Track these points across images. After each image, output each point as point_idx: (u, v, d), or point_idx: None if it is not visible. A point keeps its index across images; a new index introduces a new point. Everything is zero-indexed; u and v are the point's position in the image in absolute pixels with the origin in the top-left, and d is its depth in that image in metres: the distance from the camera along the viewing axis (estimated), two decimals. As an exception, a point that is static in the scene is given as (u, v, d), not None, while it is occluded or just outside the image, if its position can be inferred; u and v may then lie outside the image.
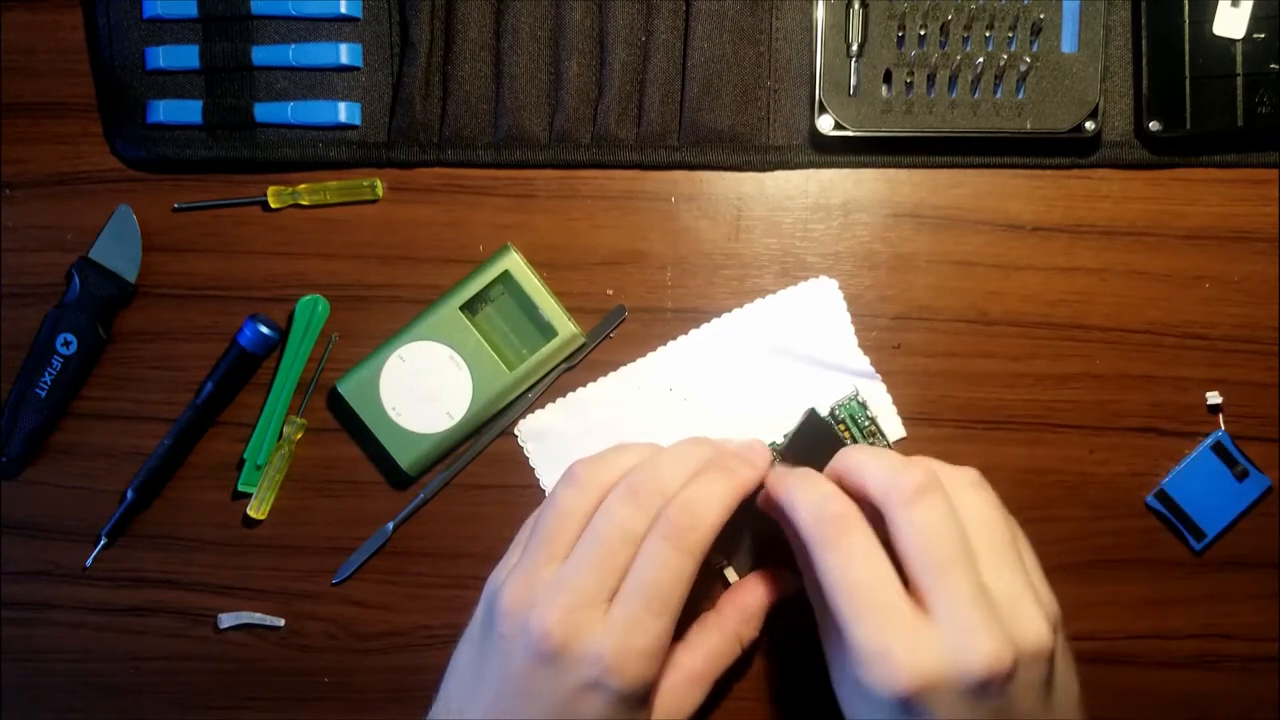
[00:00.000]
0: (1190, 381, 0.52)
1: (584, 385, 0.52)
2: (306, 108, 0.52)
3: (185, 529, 0.54)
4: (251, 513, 0.53)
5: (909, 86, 0.50)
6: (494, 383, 0.51)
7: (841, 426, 0.50)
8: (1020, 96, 0.50)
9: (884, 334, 0.52)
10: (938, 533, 0.40)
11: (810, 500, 0.42)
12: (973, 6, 0.49)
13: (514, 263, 0.51)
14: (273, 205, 0.52)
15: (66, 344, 0.52)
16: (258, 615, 0.53)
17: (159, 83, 0.52)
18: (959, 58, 0.49)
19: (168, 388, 0.53)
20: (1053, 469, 0.52)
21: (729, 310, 0.52)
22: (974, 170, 0.52)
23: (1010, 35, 0.50)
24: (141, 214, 0.53)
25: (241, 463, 0.53)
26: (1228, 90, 0.49)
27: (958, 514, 0.41)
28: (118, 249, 0.52)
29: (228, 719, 0.54)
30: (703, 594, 0.49)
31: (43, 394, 0.52)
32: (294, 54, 0.52)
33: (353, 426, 0.53)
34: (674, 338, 0.52)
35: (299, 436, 0.53)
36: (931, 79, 0.50)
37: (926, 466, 0.42)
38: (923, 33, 0.50)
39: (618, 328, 0.52)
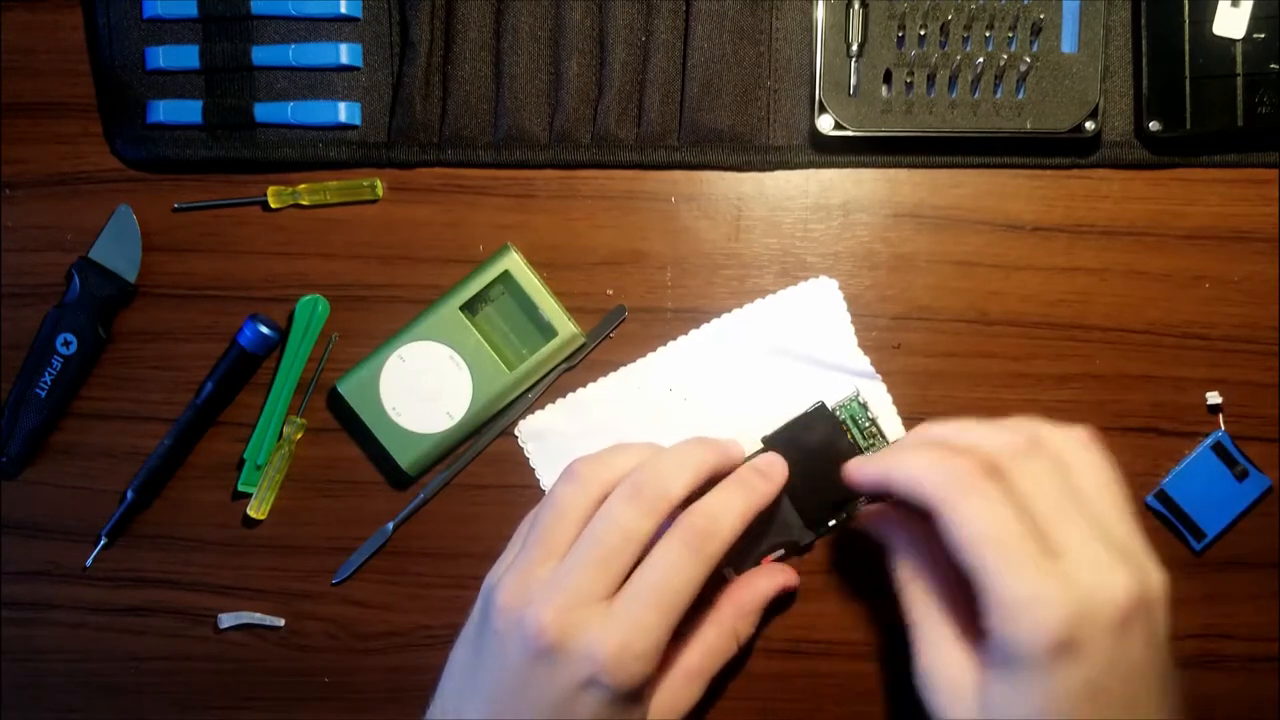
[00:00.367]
0: (1190, 381, 0.52)
1: (584, 385, 0.52)
2: (306, 108, 0.52)
3: (185, 529, 0.54)
4: (251, 513, 0.53)
5: (909, 86, 0.50)
6: (494, 383, 0.51)
7: (843, 427, 0.50)
8: (1020, 96, 0.50)
9: (884, 334, 0.52)
10: (1054, 481, 0.41)
11: (931, 463, 0.42)
12: (973, 6, 0.49)
13: (514, 263, 0.51)
14: (273, 205, 0.52)
15: (66, 344, 0.52)
16: (258, 615, 0.53)
17: (159, 83, 0.52)
18: (959, 58, 0.49)
19: (168, 388, 0.53)
20: (1053, 469, 0.52)
21: (729, 310, 0.52)
22: (974, 170, 0.52)
23: (1010, 35, 0.50)
24: (141, 214, 0.53)
25: (241, 463, 0.53)
26: (1228, 90, 0.49)
27: (1070, 470, 0.42)
28: (118, 249, 0.52)
29: (228, 719, 0.54)
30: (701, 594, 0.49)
31: (43, 394, 0.52)
32: (294, 54, 0.52)
33: (353, 426, 0.53)
34: (674, 338, 0.52)
35: (299, 436, 0.53)
36: (931, 79, 0.50)
37: (1034, 426, 0.43)
38: (923, 33, 0.50)
39: (618, 328, 0.52)
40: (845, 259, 0.52)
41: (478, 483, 0.53)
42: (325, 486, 0.53)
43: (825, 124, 0.50)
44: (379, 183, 0.52)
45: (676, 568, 0.42)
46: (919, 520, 0.45)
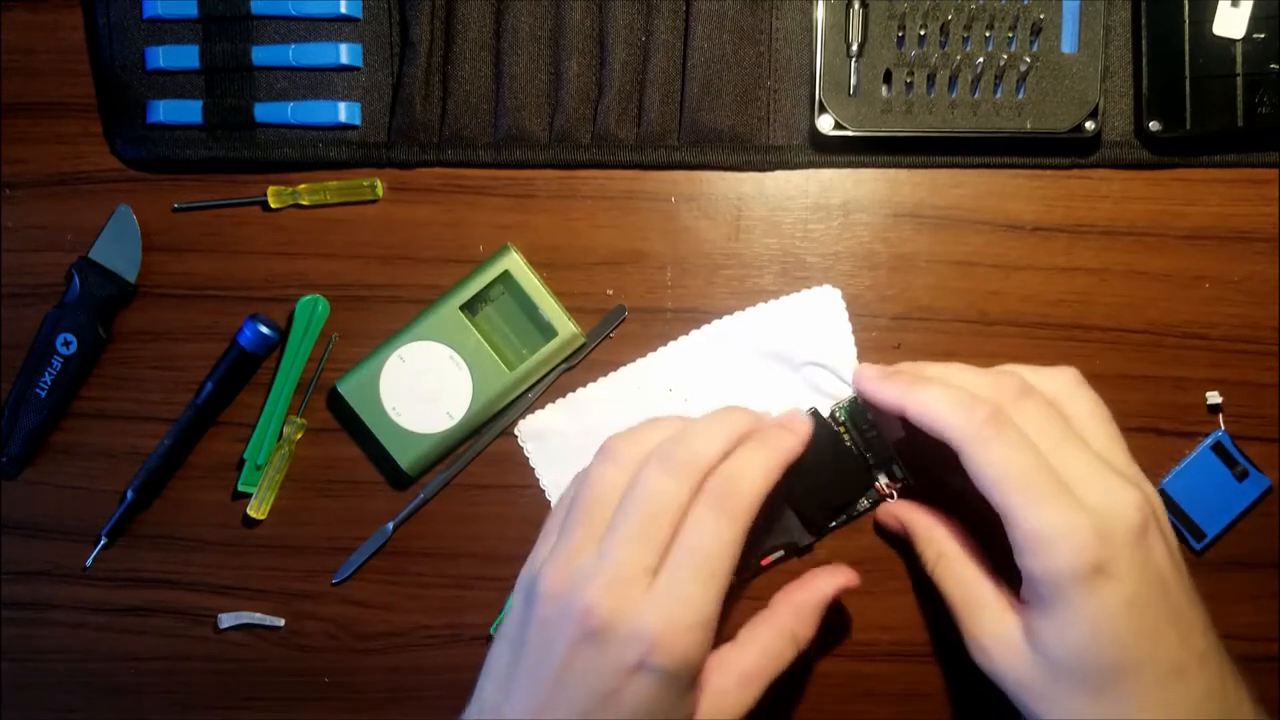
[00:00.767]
0: (1190, 381, 0.52)
1: (584, 385, 0.52)
2: (306, 108, 0.52)
3: (185, 529, 0.54)
4: (251, 513, 0.53)
5: (909, 86, 0.50)
6: (494, 383, 0.52)
7: (842, 429, 0.50)
8: (1020, 96, 0.50)
9: (884, 334, 0.52)
10: (1051, 419, 0.43)
11: (953, 403, 0.43)
12: (973, 6, 0.49)
13: (514, 263, 0.51)
14: (273, 205, 0.53)
15: (66, 344, 0.52)
16: (258, 615, 0.53)
17: (159, 83, 0.52)
18: (959, 58, 0.49)
19: (168, 388, 0.53)
20: (1053, 469, 0.52)
21: (729, 310, 0.52)
22: (974, 170, 0.52)
23: (1010, 35, 0.50)
24: (141, 214, 0.53)
25: (241, 463, 0.53)
26: (1228, 90, 0.49)
27: (1062, 407, 0.44)
28: (118, 249, 0.52)
29: (228, 719, 0.54)
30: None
31: (43, 394, 0.52)
32: (294, 54, 0.52)
33: (353, 426, 0.53)
34: (674, 338, 0.52)
35: (299, 436, 0.53)
36: (931, 79, 0.50)
37: (1020, 370, 0.45)
38: (923, 33, 0.50)
39: (618, 328, 0.52)
40: (845, 259, 0.52)
41: (478, 483, 0.53)
42: (325, 486, 0.53)
43: (825, 124, 0.50)
44: (379, 183, 0.52)
45: (707, 532, 0.41)
46: (936, 509, 0.49)
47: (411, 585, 0.53)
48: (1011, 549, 0.43)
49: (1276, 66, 0.48)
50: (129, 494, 0.53)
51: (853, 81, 0.50)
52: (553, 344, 0.51)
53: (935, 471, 0.49)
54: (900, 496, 0.51)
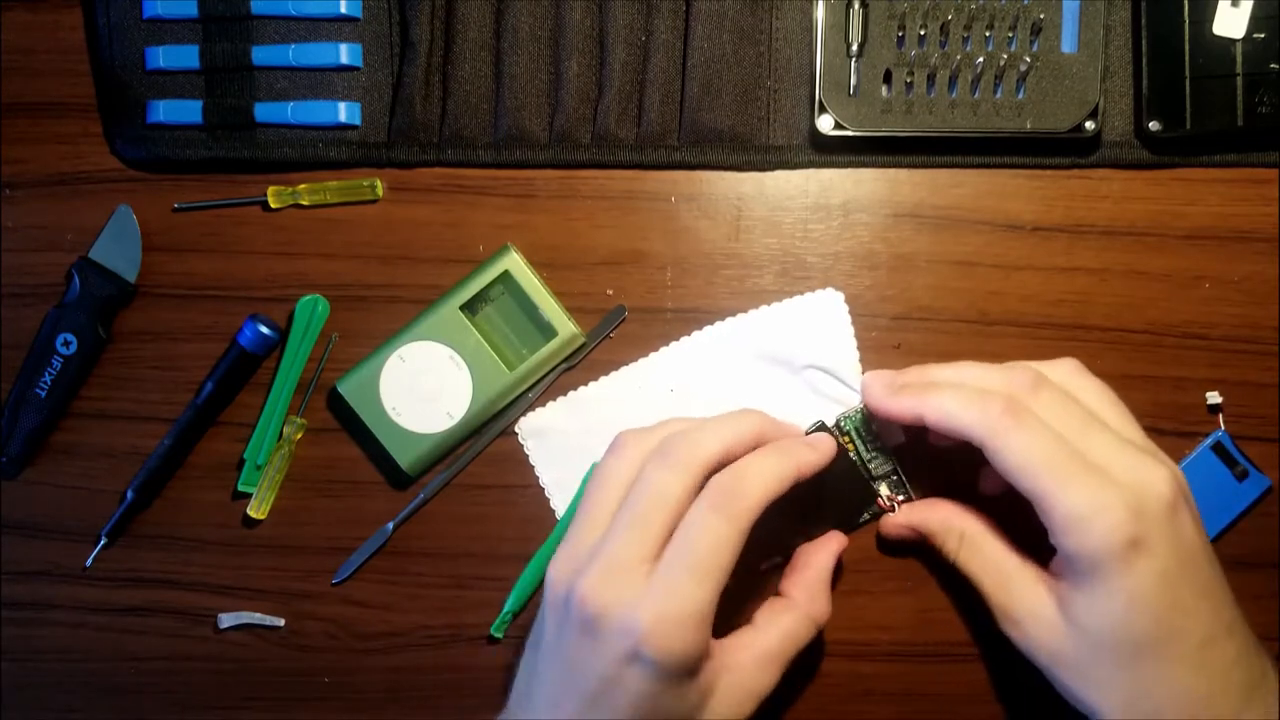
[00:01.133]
0: (1190, 381, 0.52)
1: (584, 385, 0.52)
2: (306, 108, 0.52)
3: (185, 529, 0.54)
4: (251, 513, 0.53)
5: (909, 86, 0.50)
6: (494, 383, 0.51)
7: (846, 439, 0.50)
8: (1020, 96, 0.50)
9: (884, 334, 0.52)
10: (1068, 405, 0.44)
11: (966, 402, 0.44)
12: (973, 6, 0.49)
13: (514, 263, 0.51)
14: (273, 205, 0.52)
15: (66, 344, 0.52)
16: (258, 615, 0.53)
17: (159, 83, 0.52)
18: (959, 58, 0.49)
19: (168, 388, 0.53)
20: (1053, 469, 0.52)
21: (729, 310, 0.52)
22: (974, 170, 0.52)
23: (1010, 35, 0.50)
24: (141, 214, 0.53)
25: (241, 463, 0.53)
26: (1228, 90, 0.49)
27: (1075, 394, 0.45)
28: (118, 249, 0.52)
29: (228, 719, 0.54)
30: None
31: (43, 394, 0.52)
32: (294, 54, 0.52)
33: (353, 426, 0.53)
34: (674, 338, 0.52)
35: (299, 436, 0.53)
36: (931, 79, 0.50)
37: (1028, 365, 0.46)
38: (923, 33, 0.50)
39: (618, 328, 0.52)
40: (845, 259, 0.52)
41: (478, 483, 0.53)
42: (325, 486, 0.53)
43: (825, 124, 0.50)
44: (379, 183, 0.52)
45: (703, 529, 0.41)
46: (945, 500, 0.50)
47: (411, 585, 0.53)
48: (1046, 531, 0.43)
49: (1276, 66, 0.48)
50: (129, 494, 0.53)
51: (853, 81, 0.50)
52: (553, 344, 0.51)
53: (943, 476, 0.49)
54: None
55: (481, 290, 0.51)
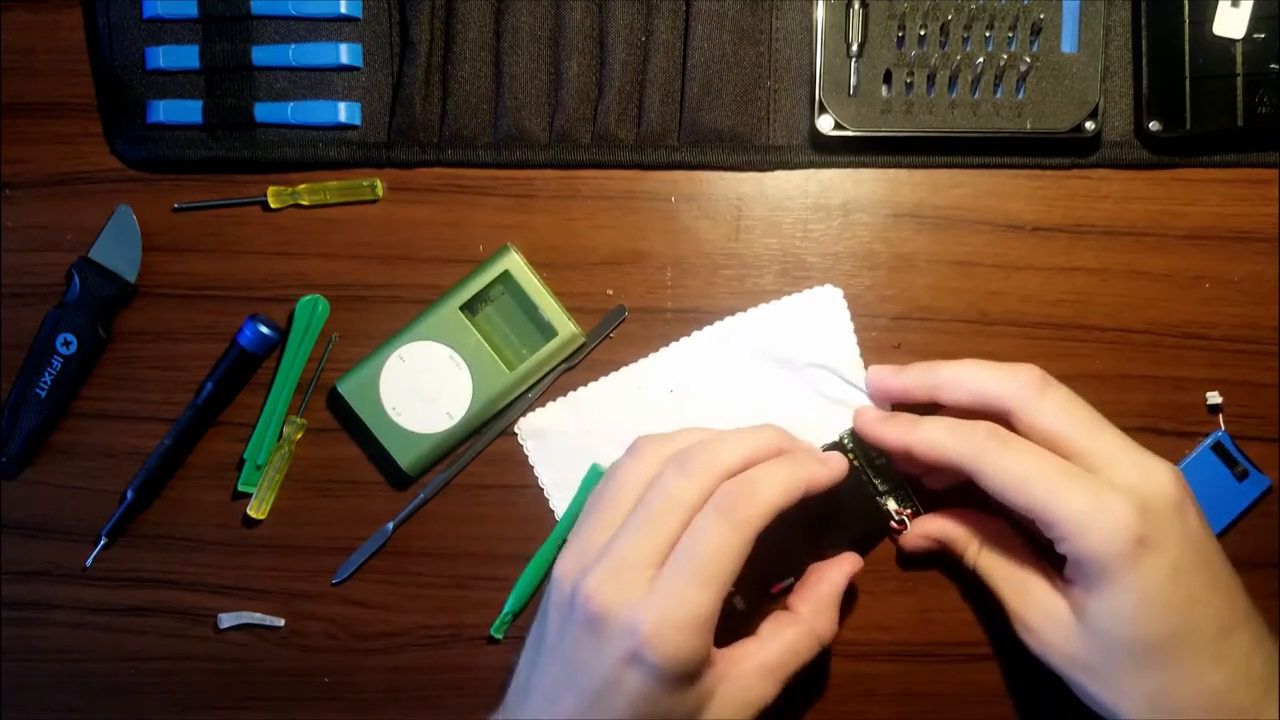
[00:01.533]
0: (1190, 381, 0.52)
1: (584, 385, 0.52)
2: (306, 108, 0.52)
3: (185, 529, 0.54)
4: (251, 513, 0.53)
5: (909, 86, 0.50)
6: (494, 383, 0.51)
7: (851, 456, 0.50)
8: (1020, 96, 0.50)
9: (884, 334, 0.52)
10: (1077, 404, 0.45)
11: (953, 432, 0.45)
12: (973, 6, 0.49)
13: (514, 263, 0.51)
14: (273, 205, 0.52)
15: (66, 344, 0.52)
16: (258, 615, 0.53)
17: (159, 83, 0.52)
18: (959, 58, 0.49)
19: (168, 388, 0.53)
20: (1053, 469, 0.52)
21: (729, 310, 0.52)
22: (974, 170, 0.52)
23: (1010, 35, 0.50)
24: (141, 214, 0.53)
25: (241, 463, 0.53)
26: (1228, 90, 0.49)
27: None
28: (118, 249, 0.52)
29: (228, 719, 0.54)
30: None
31: (43, 394, 0.52)
32: (294, 54, 0.52)
33: (353, 426, 0.53)
34: (674, 338, 0.52)
35: (299, 436, 0.53)
36: (931, 79, 0.50)
37: (1031, 366, 0.46)
38: (923, 33, 0.50)
39: (618, 328, 0.52)
40: (845, 259, 0.52)
41: (478, 483, 0.53)
42: (325, 486, 0.53)
43: (825, 124, 0.50)
44: (379, 183, 0.52)
45: (709, 535, 0.41)
46: (963, 510, 0.50)
47: (411, 585, 0.53)
48: (1051, 541, 0.44)
49: (1276, 66, 0.48)
50: (129, 494, 0.53)
51: (853, 81, 0.50)
52: (553, 344, 0.51)
53: (954, 488, 0.49)
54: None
55: (481, 290, 0.51)
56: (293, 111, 0.52)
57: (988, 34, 0.50)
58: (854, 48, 0.50)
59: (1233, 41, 0.49)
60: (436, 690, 0.53)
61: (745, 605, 0.48)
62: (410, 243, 0.53)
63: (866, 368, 0.51)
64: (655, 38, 0.51)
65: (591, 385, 0.52)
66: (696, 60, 0.51)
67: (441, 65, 0.52)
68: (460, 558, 0.53)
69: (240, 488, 0.52)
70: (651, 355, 0.52)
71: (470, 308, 0.52)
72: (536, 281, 0.51)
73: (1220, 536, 0.51)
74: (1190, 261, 0.52)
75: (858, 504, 0.50)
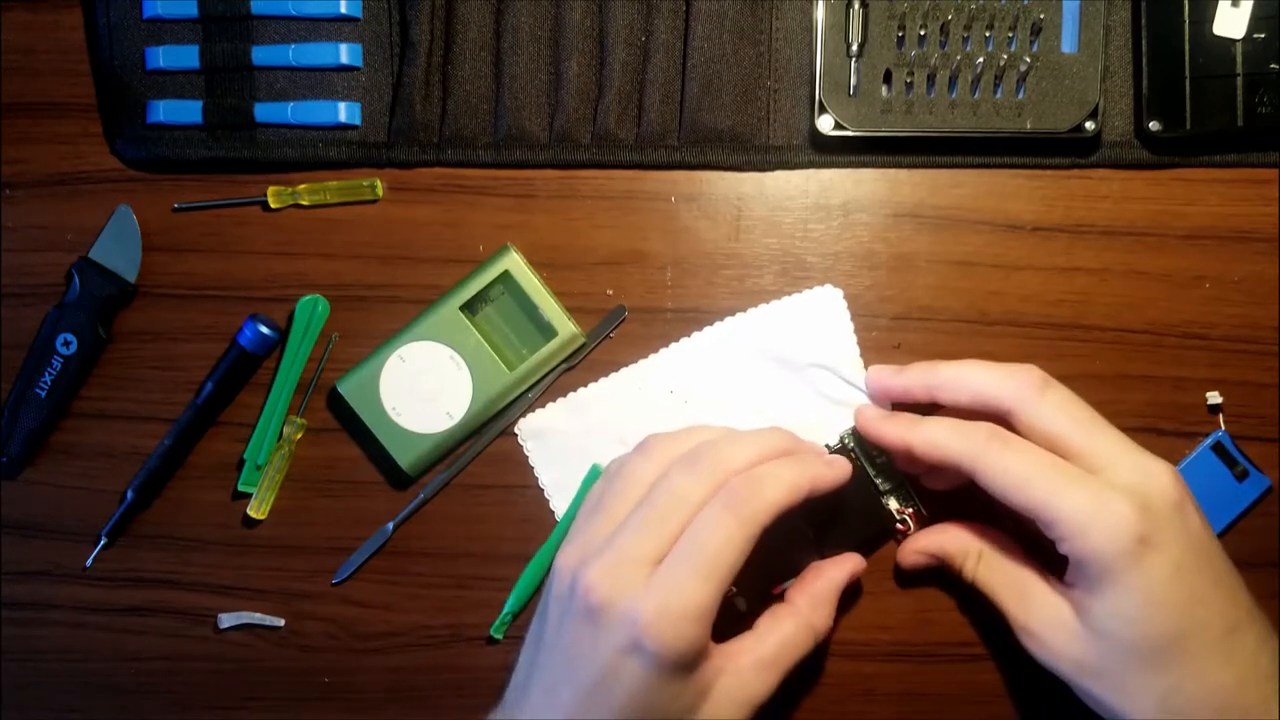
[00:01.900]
0: (1190, 381, 0.52)
1: (584, 385, 0.52)
2: (306, 108, 0.52)
3: (185, 529, 0.54)
4: (251, 513, 0.53)
5: (909, 86, 0.50)
6: (494, 383, 0.52)
7: (851, 455, 0.50)
8: (1020, 96, 0.50)
9: (884, 334, 0.52)
10: (1077, 403, 0.45)
11: (954, 431, 0.45)
12: (973, 6, 0.49)
13: (514, 263, 0.51)
14: (273, 205, 0.53)
15: (66, 344, 0.52)
16: (258, 615, 0.53)
17: (159, 83, 0.52)
18: (959, 58, 0.49)
19: (168, 388, 0.53)
20: (1053, 469, 0.52)
21: (729, 310, 0.52)
22: (974, 170, 0.52)
23: (1010, 35, 0.50)
24: (141, 214, 0.53)
25: (241, 463, 0.53)
26: (1228, 90, 0.49)
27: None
28: (118, 249, 0.52)
29: (227, 719, 0.54)
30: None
31: (43, 394, 0.52)
32: (294, 54, 0.52)
33: (353, 426, 0.53)
34: (674, 338, 0.52)
35: (299, 436, 0.53)
36: (931, 79, 0.50)
37: (1032, 366, 0.46)
38: (923, 33, 0.50)
39: (618, 328, 0.52)
40: (845, 259, 0.52)
41: (478, 483, 0.53)
42: (325, 486, 0.53)
43: (825, 124, 0.50)
44: (379, 183, 0.52)
45: (713, 528, 0.42)
46: (960, 521, 0.50)
47: (411, 585, 0.53)
48: (1052, 543, 0.44)
49: (1276, 66, 0.48)
50: (129, 494, 0.53)
51: (853, 81, 0.50)
52: (553, 344, 0.51)
53: (952, 485, 0.49)
54: (916, 527, 0.51)
55: (481, 290, 0.51)
56: (293, 111, 0.52)
57: (988, 34, 0.50)
58: (854, 48, 0.50)
59: (1233, 41, 0.49)
60: (436, 690, 0.53)
61: (746, 606, 0.48)
62: (410, 243, 0.53)
63: (866, 368, 0.51)
64: (655, 38, 0.51)
65: (591, 386, 0.52)
66: (696, 60, 0.51)
67: (441, 65, 0.52)
68: (460, 558, 0.53)
69: (240, 488, 0.52)
70: (651, 356, 0.52)
71: (470, 308, 0.52)
72: (536, 281, 0.51)
73: (1220, 536, 0.51)
74: (1190, 261, 0.52)
75: (861, 506, 0.50)
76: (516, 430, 0.53)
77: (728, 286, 0.52)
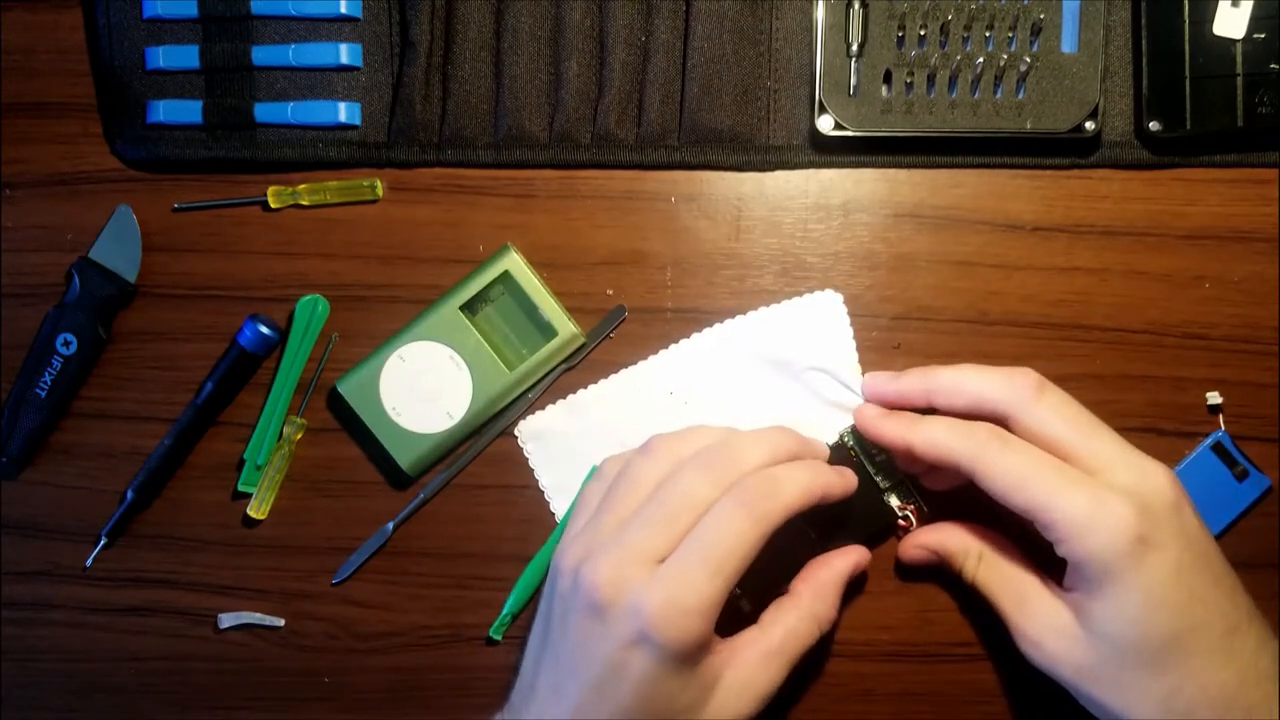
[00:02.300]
0: (1190, 381, 0.52)
1: (584, 385, 0.52)
2: (306, 108, 0.52)
3: (185, 529, 0.54)
4: (251, 513, 0.53)
5: (909, 86, 0.50)
6: (494, 383, 0.52)
7: (852, 454, 0.50)
8: (1020, 96, 0.50)
9: (884, 334, 0.52)
10: (1074, 406, 0.45)
11: (954, 430, 0.45)
12: (973, 6, 0.49)
13: (514, 263, 0.51)
14: (273, 205, 0.53)
15: (66, 344, 0.52)
16: (258, 615, 0.53)
17: (159, 83, 0.52)
18: (959, 58, 0.49)
19: (168, 388, 0.53)
20: (1053, 469, 0.52)
21: (729, 310, 0.52)
22: (974, 170, 0.52)
23: (1010, 35, 0.50)
24: (141, 214, 0.53)
25: (241, 463, 0.53)
26: (1228, 90, 0.49)
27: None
28: (118, 249, 0.52)
29: (227, 719, 0.54)
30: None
31: (43, 394, 0.52)
32: (294, 54, 0.52)
33: (353, 426, 0.53)
34: (674, 338, 0.52)
35: (299, 436, 0.53)
36: (931, 79, 0.50)
37: (1029, 370, 0.46)
38: (923, 33, 0.50)
39: (618, 328, 0.52)
40: (845, 259, 0.52)
41: (478, 483, 0.53)
42: (325, 486, 0.53)
43: (825, 124, 0.50)
44: (379, 183, 0.52)
45: (726, 523, 0.42)
46: (961, 521, 0.49)
47: (411, 585, 0.53)
48: (1050, 544, 0.44)
49: (1276, 66, 0.48)
50: (129, 494, 0.53)
51: (853, 81, 0.50)
52: (553, 344, 0.51)
53: (951, 485, 0.49)
54: (918, 524, 0.51)
55: (481, 290, 0.51)
56: (293, 111, 0.52)
57: (988, 34, 0.50)
58: (854, 48, 0.50)
59: (1233, 41, 0.49)
60: (436, 690, 0.53)
61: (750, 608, 0.48)
62: (410, 243, 0.53)
63: (865, 373, 0.50)
64: (655, 38, 0.51)
65: (591, 387, 0.52)
66: (696, 60, 0.51)
67: (441, 65, 0.52)
68: (460, 558, 0.53)
69: (240, 488, 0.52)
70: (651, 357, 0.52)
71: (470, 308, 0.52)
72: (536, 281, 0.51)
73: (1220, 537, 0.51)
74: (1190, 261, 0.52)
75: (863, 504, 0.50)
76: (516, 433, 0.53)
77: (728, 286, 0.52)
